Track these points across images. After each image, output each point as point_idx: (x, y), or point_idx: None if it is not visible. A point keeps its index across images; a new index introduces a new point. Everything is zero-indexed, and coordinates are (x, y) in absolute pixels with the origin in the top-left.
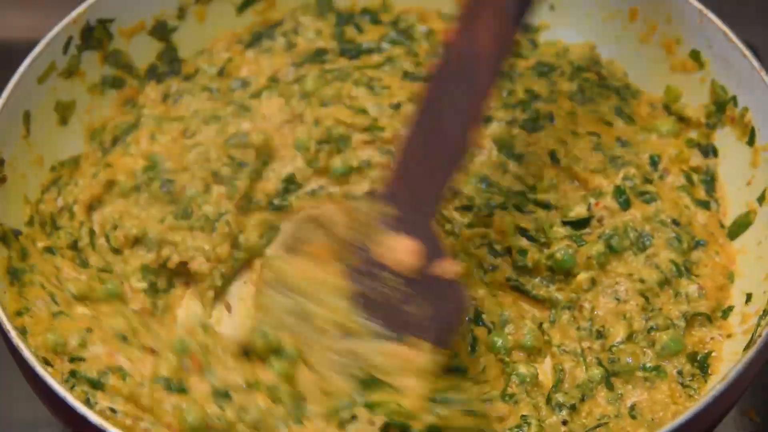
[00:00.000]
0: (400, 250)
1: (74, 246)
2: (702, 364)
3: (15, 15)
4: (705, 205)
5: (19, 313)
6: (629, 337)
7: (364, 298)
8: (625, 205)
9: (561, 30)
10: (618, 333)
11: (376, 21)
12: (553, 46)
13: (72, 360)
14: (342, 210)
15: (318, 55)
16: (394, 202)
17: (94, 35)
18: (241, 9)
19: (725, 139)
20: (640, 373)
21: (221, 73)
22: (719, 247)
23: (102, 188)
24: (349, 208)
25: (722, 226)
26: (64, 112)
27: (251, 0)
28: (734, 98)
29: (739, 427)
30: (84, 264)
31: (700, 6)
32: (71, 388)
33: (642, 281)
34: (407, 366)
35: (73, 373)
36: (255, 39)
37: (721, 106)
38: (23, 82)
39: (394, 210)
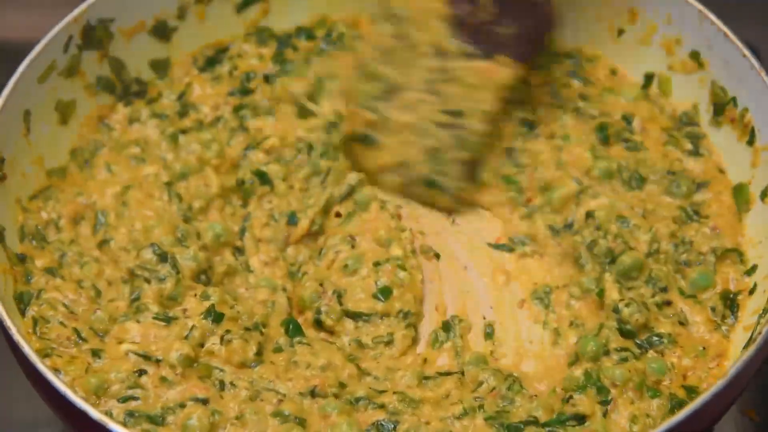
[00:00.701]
0: None
1: (62, 258)
2: (732, 304)
3: (15, 15)
4: (697, 154)
5: (46, 354)
6: (654, 253)
7: (460, 22)
8: (605, 141)
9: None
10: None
11: (310, 37)
12: None
13: (123, 400)
14: None
15: (247, 82)
16: None
17: (95, 35)
18: (241, 9)
19: (725, 139)
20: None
21: (180, 97)
22: (723, 186)
23: (84, 207)
24: None
25: (721, 171)
26: (65, 111)
27: (251, 0)
28: (734, 98)
29: (739, 426)
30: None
31: (700, 6)
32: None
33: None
34: (487, 79)
35: (130, 414)
36: (208, 64)
37: (721, 106)
38: (23, 81)
39: None
